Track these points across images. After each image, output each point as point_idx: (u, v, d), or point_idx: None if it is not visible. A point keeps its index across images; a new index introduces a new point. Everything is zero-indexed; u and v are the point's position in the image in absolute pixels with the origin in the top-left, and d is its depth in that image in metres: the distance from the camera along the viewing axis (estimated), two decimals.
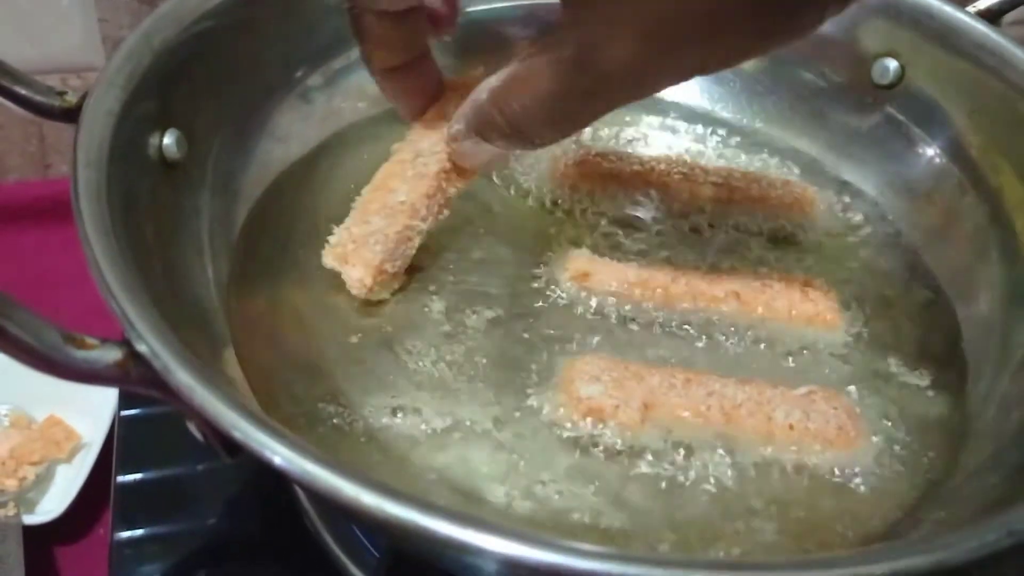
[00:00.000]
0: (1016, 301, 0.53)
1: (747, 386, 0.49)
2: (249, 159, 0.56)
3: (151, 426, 0.62)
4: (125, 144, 0.46)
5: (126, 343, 0.36)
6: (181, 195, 0.50)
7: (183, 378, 0.34)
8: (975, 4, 0.62)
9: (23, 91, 0.47)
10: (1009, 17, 0.93)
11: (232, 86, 0.54)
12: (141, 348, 0.35)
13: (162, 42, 0.50)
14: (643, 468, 0.46)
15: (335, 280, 0.52)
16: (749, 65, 0.66)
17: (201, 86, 0.52)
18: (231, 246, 0.53)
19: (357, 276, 0.52)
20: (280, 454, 0.33)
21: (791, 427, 0.47)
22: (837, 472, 0.47)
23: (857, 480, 0.47)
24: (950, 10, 0.60)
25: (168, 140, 0.49)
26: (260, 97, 0.57)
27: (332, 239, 0.53)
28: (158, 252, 0.46)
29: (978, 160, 0.58)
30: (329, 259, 0.52)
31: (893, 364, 0.53)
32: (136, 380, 0.36)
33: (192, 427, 0.38)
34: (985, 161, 0.58)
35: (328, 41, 0.60)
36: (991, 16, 0.61)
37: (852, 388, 0.51)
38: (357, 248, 0.52)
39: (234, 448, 0.36)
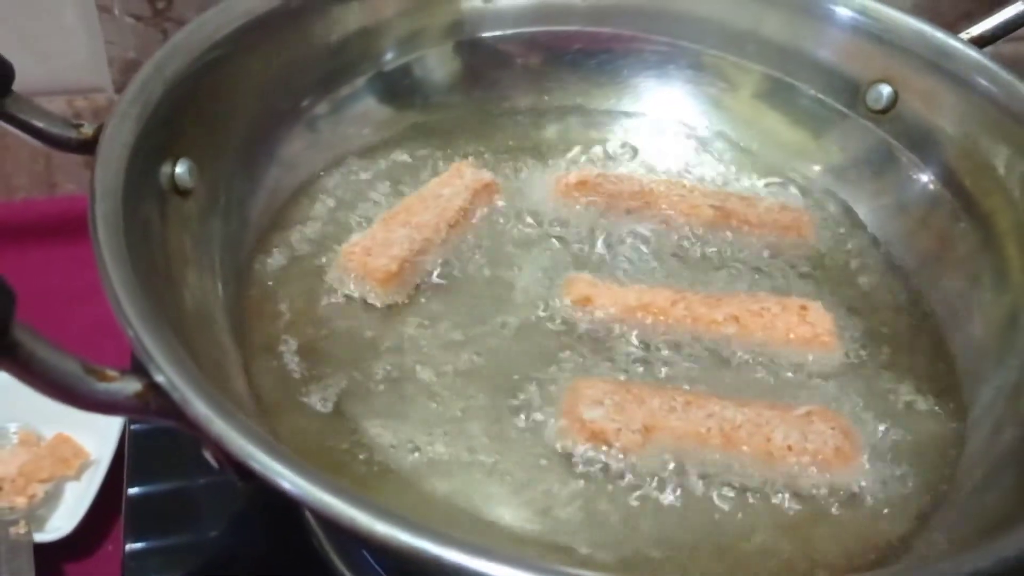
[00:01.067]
0: (1008, 325, 0.55)
1: (746, 408, 0.50)
2: (257, 186, 0.57)
3: (161, 440, 0.63)
4: (140, 175, 0.47)
5: (145, 374, 0.37)
6: (193, 222, 0.51)
7: (201, 409, 0.35)
8: (968, 31, 0.63)
9: (39, 124, 0.48)
10: None
11: (241, 115, 0.56)
12: (159, 379, 0.36)
13: (174, 73, 0.51)
14: (645, 491, 0.48)
15: (341, 302, 0.54)
16: (750, 88, 0.68)
17: (211, 115, 0.53)
18: (241, 270, 0.54)
19: (382, 263, 0.54)
20: (297, 485, 0.34)
21: (789, 448, 0.49)
22: (836, 493, 0.48)
23: (855, 501, 0.48)
24: (942, 36, 0.61)
25: (180, 169, 0.51)
26: (268, 125, 0.58)
27: (355, 238, 0.56)
28: (174, 279, 0.47)
29: (970, 186, 0.59)
30: (350, 256, 0.55)
31: (890, 385, 0.55)
32: (155, 411, 0.37)
33: (208, 455, 0.39)
34: (977, 187, 0.59)
35: (333, 69, 0.62)
36: (983, 43, 0.62)
37: (848, 408, 0.52)
38: (381, 246, 0.55)
39: (247, 474, 0.36)
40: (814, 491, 0.48)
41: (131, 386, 0.37)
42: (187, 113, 0.52)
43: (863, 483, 0.49)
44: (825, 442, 0.49)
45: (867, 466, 0.49)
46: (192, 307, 0.48)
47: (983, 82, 0.59)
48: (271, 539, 0.58)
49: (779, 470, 0.48)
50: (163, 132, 0.50)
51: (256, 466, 0.34)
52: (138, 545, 0.57)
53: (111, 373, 0.37)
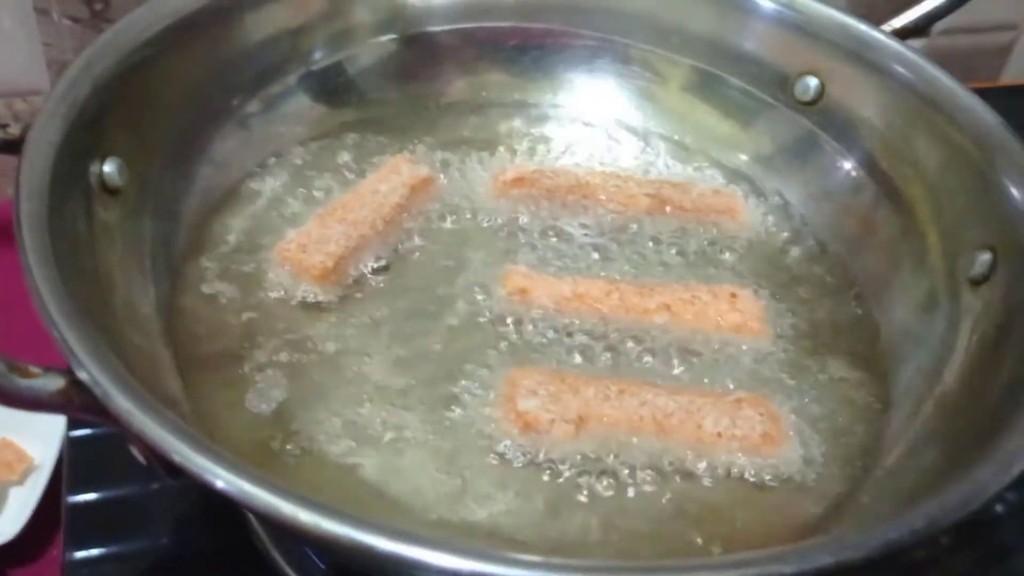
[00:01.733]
0: (927, 309, 0.56)
1: (679, 395, 0.51)
2: (189, 185, 0.57)
3: (101, 446, 0.62)
4: (67, 174, 0.47)
5: (68, 371, 0.38)
6: (123, 221, 0.51)
7: (123, 404, 0.35)
8: (890, 23, 0.64)
9: None
10: (939, 26, 0.97)
11: (171, 113, 0.56)
12: (82, 376, 0.37)
13: (102, 72, 0.51)
14: (579, 479, 0.48)
15: (277, 299, 0.54)
16: (679, 81, 0.69)
17: (141, 114, 0.53)
18: (173, 270, 0.54)
19: (318, 260, 0.55)
20: (220, 476, 0.34)
21: (719, 435, 0.50)
22: (764, 476, 0.50)
23: (783, 482, 0.49)
24: (865, 28, 0.63)
25: (109, 168, 0.50)
26: (199, 124, 0.58)
27: (290, 235, 0.56)
28: (102, 279, 0.47)
29: (891, 174, 0.61)
30: (285, 253, 0.55)
31: (818, 368, 0.56)
32: (79, 407, 0.38)
33: (134, 451, 0.39)
34: (898, 175, 0.61)
35: (264, 67, 0.62)
36: (905, 35, 0.64)
37: (778, 392, 0.54)
38: (317, 243, 0.56)
39: (176, 470, 0.37)
40: (743, 475, 0.49)
41: (54, 383, 0.37)
42: (116, 112, 0.51)
43: (789, 465, 0.50)
44: (753, 427, 0.50)
45: (793, 449, 0.50)
46: (122, 307, 0.48)
47: (904, 72, 0.61)
48: (215, 542, 0.58)
49: (709, 455, 0.49)
50: (91, 131, 0.50)
51: (178, 459, 0.34)
52: (79, 554, 0.56)
53: (34, 370, 0.37)
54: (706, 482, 0.49)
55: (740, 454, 0.49)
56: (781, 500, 0.49)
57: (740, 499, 0.48)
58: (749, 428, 0.50)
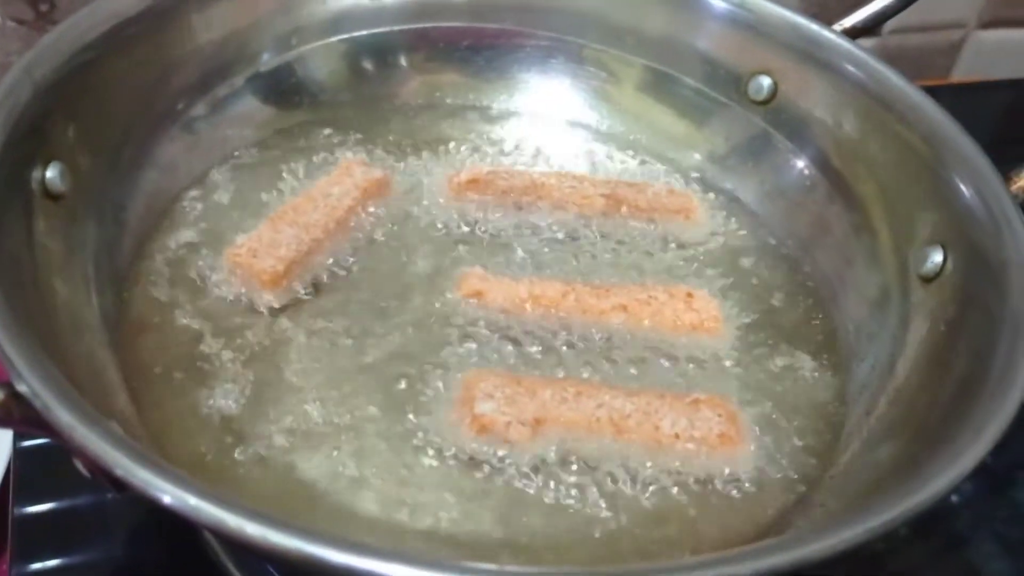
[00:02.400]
0: (880, 305, 0.56)
1: (635, 397, 0.51)
2: (135, 190, 0.56)
3: (50, 457, 0.61)
4: (7, 179, 0.46)
5: (8, 384, 0.36)
6: (66, 228, 0.50)
7: (64, 417, 0.34)
8: (840, 22, 0.65)
9: None
10: (890, 25, 0.98)
11: (115, 117, 0.54)
12: (22, 388, 0.36)
13: (43, 75, 0.50)
14: (532, 484, 0.48)
15: (227, 306, 0.53)
16: (633, 81, 0.69)
17: (83, 118, 0.52)
18: (119, 277, 0.53)
19: (269, 264, 0.54)
20: (164, 490, 0.33)
21: (677, 436, 0.49)
22: (721, 476, 0.49)
23: (740, 483, 0.49)
24: (816, 28, 0.63)
25: (51, 173, 0.49)
26: (144, 128, 0.57)
27: (239, 241, 0.55)
28: (43, 288, 0.46)
29: (843, 172, 0.61)
30: (235, 258, 0.54)
31: (775, 366, 0.56)
32: (19, 420, 0.37)
33: (78, 464, 0.38)
34: (850, 173, 0.61)
35: (211, 70, 0.60)
36: (855, 34, 0.64)
37: (736, 392, 0.54)
38: (268, 247, 0.54)
39: (120, 484, 0.36)
40: (700, 476, 0.49)
41: None
42: (58, 116, 0.50)
43: (748, 465, 0.50)
44: (711, 428, 0.50)
45: (751, 449, 0.50)
46: (65, 316, 0.46)
47: (854, 71, 0.61)
48: (167, 553, 0.57)
49: (667, 457, 0.49)
50: (33, 136, 0.48)
51: (121, 473, 0.33)
52: (27, 568, 0.55)
53: None
54: (663, 484, 0.49)
55: (698, 455, 0.49)
56: (738, 502, 0.48)
57: (697, 501, 0.48)
58: (707, 429, 0.50)
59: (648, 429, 0.49)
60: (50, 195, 0.49)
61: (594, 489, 0.48)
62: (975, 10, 1.05)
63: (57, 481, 0.59)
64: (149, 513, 0.59)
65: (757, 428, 0.52)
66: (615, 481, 0.49)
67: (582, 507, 0.47)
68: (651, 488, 0.49)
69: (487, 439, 0.49)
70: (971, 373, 0.47)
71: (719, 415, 0.50)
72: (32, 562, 0.55)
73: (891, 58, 0.62)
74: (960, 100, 0.59)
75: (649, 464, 0.49)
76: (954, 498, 0.61)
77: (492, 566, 0.35)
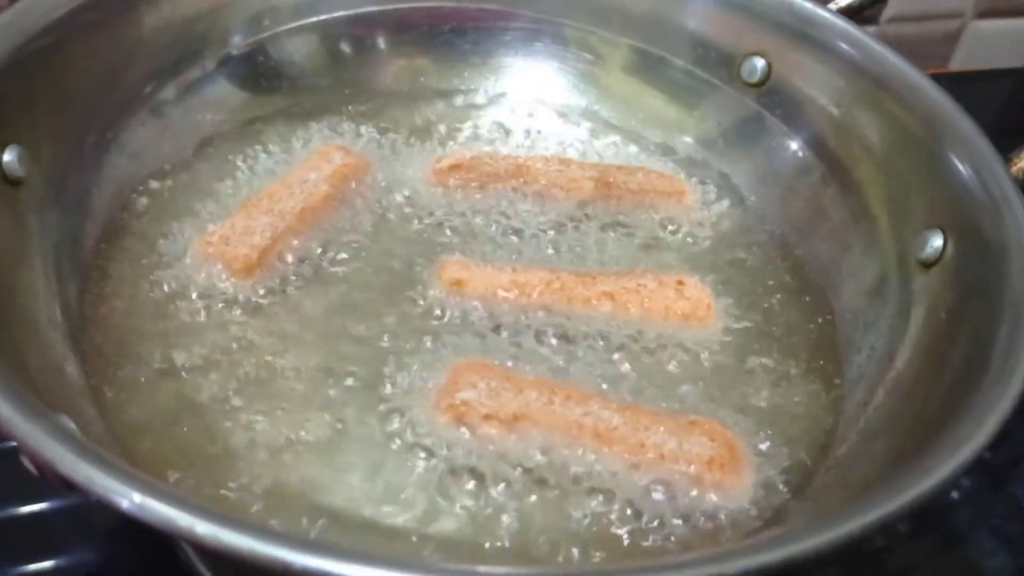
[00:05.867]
0: (878, 293, 0.54)
1: (627, 410, 0.47)
2: (100, 176, 0.53)
3: (12, 460, 0.59)
4: None
5: None
6: (26, 215, 0.48)
7: (4, 411, 0.32)
8: (836, 1, 0.63)
9: None
10: (887, 14, 0.97)
11: (78, 101, 0.52)
12: None
13: (0, 56, 0.48)
14: (504, 483, 0.45)
15: (198, 295, 0.51)
16: (620, 63, 0.67)
17: (44, 101, 0.50)
18: (83, 267, 0.51)
19: (242, 252, 0.52)
20: (110, 488, 0.31)
21: (662, 456, 0.45)
22: (706, 512, 0.45)
23: (720, 521, 0.45)
24: (811, 7, 0.61)
25: (8, 157, 0.47)
26: (109, 112, 0.54)
27: (211, 228, 0.53)
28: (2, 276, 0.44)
29: (840, 154, 0.59)
30: (207, 245, 0.52)
31: (767, 357, 0.54)
32: None
33: (26, 462, 0.36)
34: (847, 155, 0.59)
35: (178, 52, 0.58)
36: (851, 13, 0.62)
37: (728, 381, 0.52)
38: (241, 235, 0.53)
39: (69, 483, 0.34)
40: (685, 500, 0.45)
41: None
42: (16, 98, 0.48)
43: (740, 500, 0.45)
44: (700, 453, 0.45)
45: (747, 484, 0.46)
46: (23, 308, 0.44)
47: (851, 51, 0.59)
48: (138, 557, 0.55)
49: (646, 477, 0.45)
50: None
51: (64, 469, 0.31)
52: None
53: None
54: (638, 502, 0.45)
55: (682, 480, 0.45)
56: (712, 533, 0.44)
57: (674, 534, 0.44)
58: (696, 454, 0.45)
59: (632, 445, 0.45)
60: (8, 179, 0.47)
61: (560, 498, 0.45)
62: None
63: (22, 485, 0.57)
64: (117, 516, 0.57)
65: (750, 419, 0.49)
66: (585, 494, 0.45)
67: (544, 514, 0.45)
68: (625, 508, 0.45)
69: (464, 431, 0.46)
70: (971, 361, 0.45)
71: (713, 440, 0.46)
72: (7, 567, 0.53)
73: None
74: (958, 89, 0.56)
75: (625, 481, 0.45)
76: (953, 494, 0.59)
77: (463, 566, 0.33)
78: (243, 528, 0.31)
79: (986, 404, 0.40)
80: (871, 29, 0.99)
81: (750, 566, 0.32)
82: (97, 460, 0.31)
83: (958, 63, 1.08)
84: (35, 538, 0.55)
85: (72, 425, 0.35)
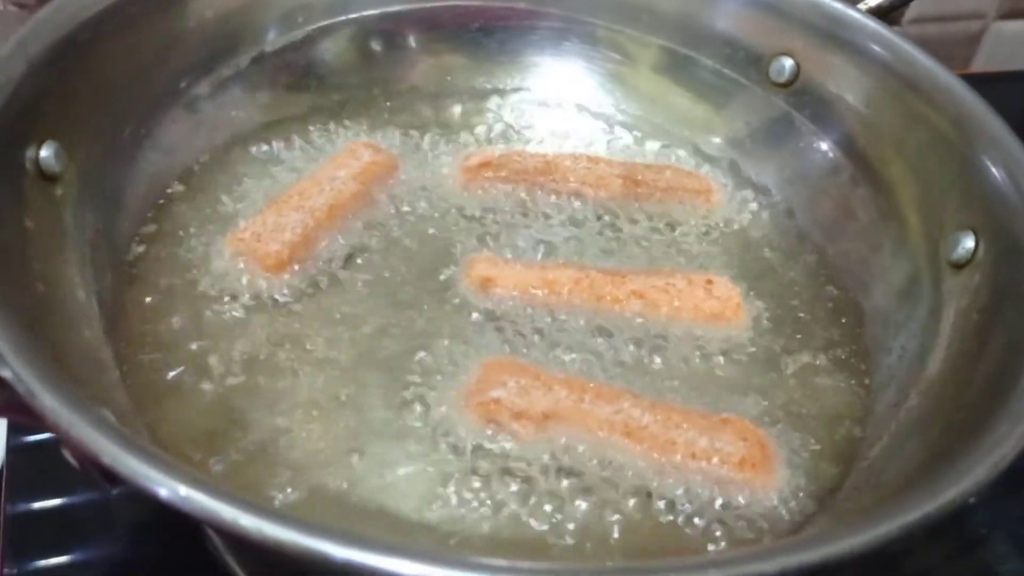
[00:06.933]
0: (908, 294, 0.54)
1: (658, 408, 0.47)
2: (134, 171, 0.54)
3: (44, 453, 0.59)
4: None
5: None
6: (62, 210, 0.48)
7: (48, 402, 0.33)
8: (865, 1, 0.63)
9: None
10: (909, 15, 0.96)
11: (114, 97, 0.52)
12: (5, 373, 0.34)
13: (37, 52, 0.48)
14: (532, 480, 0.45)
15: (229, 291, 0.52)
16: (649, 62, 0.67)
17: (81, 97, 0.50)
18: (117, 261, 0.51)
19: (273, 249, 0.52)
20: (154, 480, 0.31)
21: (693, 455, 0.45)
22: (733, 506, 0.45)
23: (753, 521, 0.45)
24: (841, 7, 0.61)
25: (45, 153, 0.47)
26: (144, 108, 0.55)
27: (243, 225, 0.53)
28: (35, 271, 0.44)
29: (869, 155, 0.59)
30: (238, 242, 0.52)
31: (797, 356, 0.54)
32: (4, 407, 0.35)
33: (67, 454, 0.36)
34: (876, 156, 0.59)
35: (213, 49, 0.58)
36: (881, 13, 0.62)
37: (758, 381, 0.52)
38: (272, 231, 0.53)
39: (111, 475, 0.34)
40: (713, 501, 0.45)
41: None
42: (53, 94, 0.48)
43: (768, 498, 0.45)
44: (732, 452, 0.45)
45: (777, 481, 0.46)
46: (59, 301, 0.44)
47: (881, 51, 0.59)
48: (167, 550, 0.55)
49: (677, 475, 0.45)
50: (26, 114, 0.46)
51: (108, 460, 0.31)
52: (20, 568, 0.53)
53: None
54: (668, 505, 0.45)
55: (713, 478, 0.45)
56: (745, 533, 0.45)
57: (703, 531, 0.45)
58: (728, 453, 0.45)
59: (664, 443, 0.45)
60: (45, 175, 0.47)
61: (591, 497, 0.45)
62: (994, 1, 1.03)
63: (53, 478, 0.57)
64: (149, 510, 0.58)
65: (784, 448, 0.48)
66: (618, 492, 0.45)
67: (575, 513, 0.45)
68: (654, 506, 0.45)
69: (494, 430, 0.47)
70: (1004, 363, 0.45)
71: (744, 440, 0.46)
72: (25, 563, 0.53)
73: None
74: (981, 91, 0.56)
75: (657, 480, 0.45)
76: (971, 498, 0.58)
77: (501, 561, 0.33)
78: (286, 521, 0.31)
79: (1022, 406, 0.40)
80: (892, 31, 0.99)
81: (790, 565, 0.32)
82: (143, 453, 0.32)
83: (980, 64, 1.08)
84: (59, 532, 0.55)
85: (112, 418, 0.36)
